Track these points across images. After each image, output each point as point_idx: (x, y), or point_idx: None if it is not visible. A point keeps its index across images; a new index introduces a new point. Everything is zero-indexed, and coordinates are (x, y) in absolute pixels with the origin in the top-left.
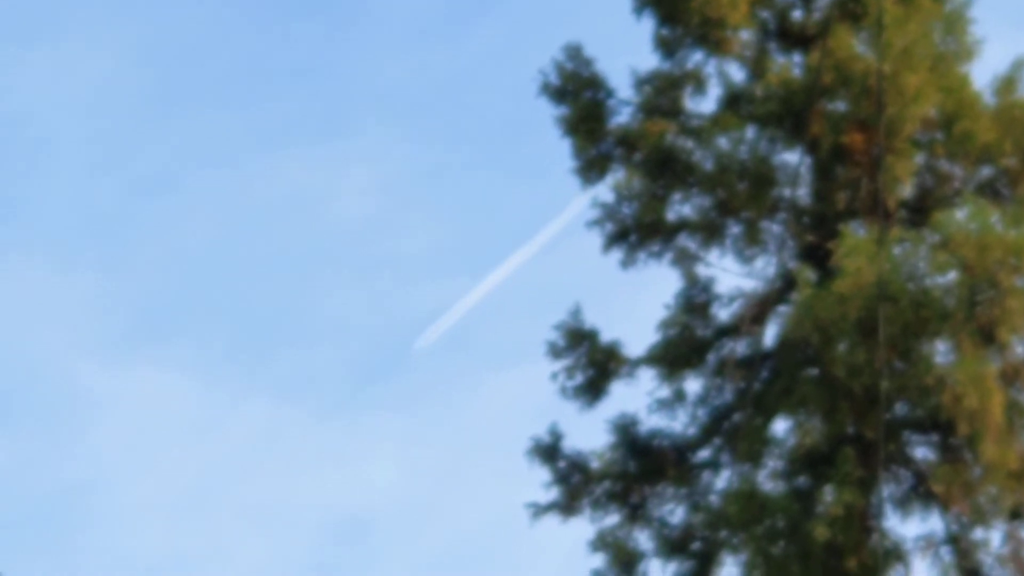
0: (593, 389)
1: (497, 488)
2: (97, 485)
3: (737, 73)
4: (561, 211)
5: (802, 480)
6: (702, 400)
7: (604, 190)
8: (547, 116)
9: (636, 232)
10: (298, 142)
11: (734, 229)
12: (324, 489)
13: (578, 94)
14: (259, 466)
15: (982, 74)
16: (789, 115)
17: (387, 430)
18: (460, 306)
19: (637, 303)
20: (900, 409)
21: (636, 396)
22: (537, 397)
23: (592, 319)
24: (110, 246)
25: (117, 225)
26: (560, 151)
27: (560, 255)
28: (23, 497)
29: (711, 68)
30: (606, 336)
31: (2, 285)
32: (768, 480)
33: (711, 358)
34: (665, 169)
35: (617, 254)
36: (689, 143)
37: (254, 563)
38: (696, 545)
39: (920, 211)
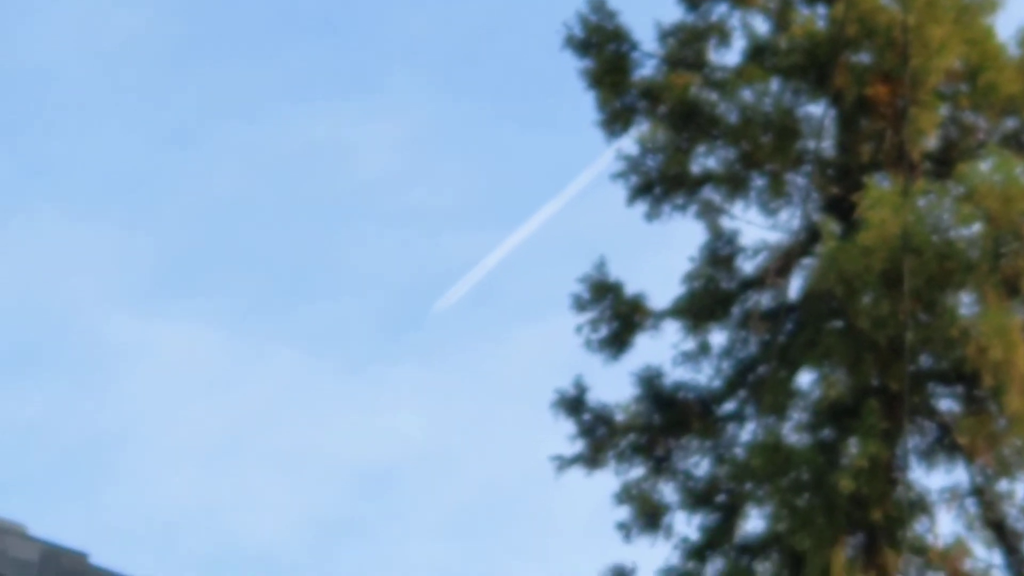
0: (618, 342)
1: (523, 441)
2: (125, 436)
3: (761, 25)
4: (589, 164)
5: (827, 432)
6: (727, 352)
7: (628, 143)
8: (573, 69)
9: (660, 185)
10: (324, 95)
11: (758, 181)
12: (350, 440)
13: (602, 47)
14: (286, 417)
15: (1006, 26)
16: (813, 67)
17: (414, 382)
18: (487, 259)
19: (663, 257)
20: (925, 361)
21: (661, 349)
22: (563, 350)
23: (619, 273)
24: (137, 198)
25: (144, 177)
26: (587, 104)
27: (588, 209)
28: (52, 448)
29: (735, 20)
30: (631, 289)
31: (31, 238)
32: (793, 432)
33: (736, 310)
34: (689, 121)
35: (642, 207)
36: (713, 95)
37: (280, 513)
38: (721, 497)
39: (944, 163)
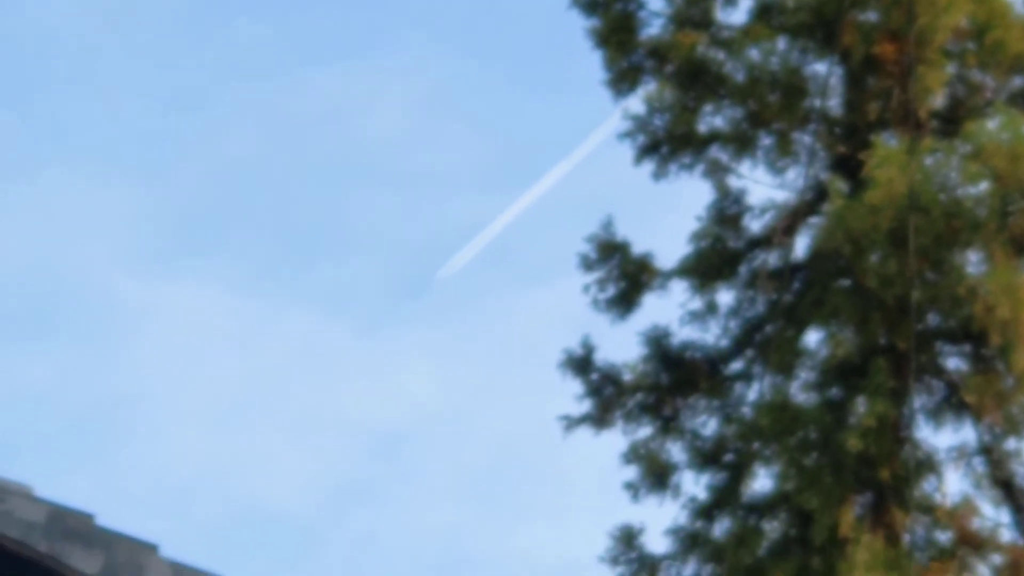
0: (625, 301)
1: (535, 402)
2: (137, 399)
3: None
4: (599, 126)
5: (834, 391)
6: (734, 312)
7: (635, 102)
8: (581, 28)
9: (667, 144)
10: (335, 56)
11: (765, 140)
12: (363, 403)
13: (609, 5)
14: (298, 379)
15: None
16: (820, 25)
17: (425, 344)
18: (498, 221)
19: (674, 218)
20: (932, 319)
21: (668, 308)
22: (574, 312)
23: (630, 234)
24: (149, 160)
25: (156, 139)
26: (596, 65)
27: (598, 171)
28: (64, 411)
29: None
30: (638, 248)
31: (43, 200)
32: (800, 391)
33: (743, 270)
34: (696, 80)
35: (649, 166)
36: (720, 54)
37: (293, 476)
38: (729, 456)
39: (951, 121)
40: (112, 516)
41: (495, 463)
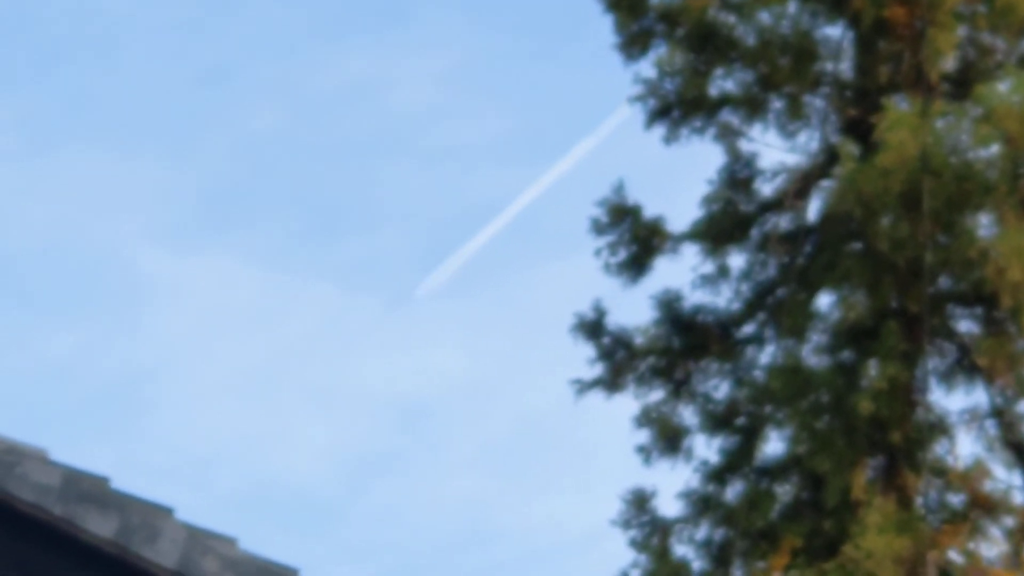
0: (636, 265)
1: (559, 373)
2: (161, 371)
3: None
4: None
5: (846, 354)
6: (746, 275)
7: (646, 66)
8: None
9: (679, 108)
10: (359, 31)
11: (776, 104)
12: (385, 375)
13: None
14: (322, 352)
15: None
16: None
17: (449, 318)
18: (523, 194)
19: (698, 191)
20: (944, 282)
21: (680, 272)
22: (598, 284)
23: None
24: (174, 135)
25: (182, 113)
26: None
27: (624, 145)
28: (89, 383)
29: None
30: (650, 212)
31: (68, 174)
32: (812, 355)
33: (754, 233)
34: (707, 44)
35: (660, 130)
36: (731, 18)
37: (315, 448)
38: (741, 420)
39: (962, 84)
40: (136, 487)
41: (519, 434)
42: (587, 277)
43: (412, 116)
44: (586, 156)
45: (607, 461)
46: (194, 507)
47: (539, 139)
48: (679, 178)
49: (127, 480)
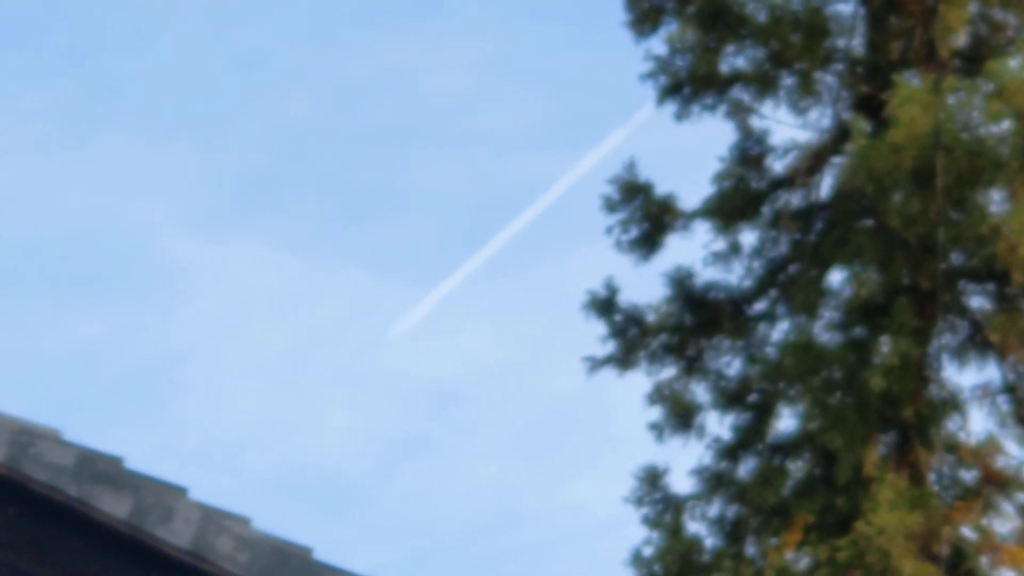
0: (648, 242)
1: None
2: (193, 355)
3: None
4: None
5: (858, 331)
6: (757, 252)
7: (657, 43)
8: None
9: (690, 85)
10: (394, 18)
11: (788, 81)
12: (417, 360)
13: None
14: (354, 337)
15: None
16: None
17: (481, 302)
18: (556, 183)
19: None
20: (955, 259)
21: (692, 249)
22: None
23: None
24: (206, 122)
25: (213, 100)
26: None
27: (661, 132)
28: (120, 368)
29: None
30: (661, 189)
31: (100, 160)
32: (824, 331)
33: (766, 210)
34: (718, 21)
35: (671, 107)
36: None
37: (348, 432)
38: (753, 397)
39: (974, 60)
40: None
41: (548, 419)
42: (616, 263)
43: (445, 103)
44: (620, 144)
45: (635, 444)
46: (225, 490)
47: (573, 126)
48: (710, 164)
49: (153, 463)
